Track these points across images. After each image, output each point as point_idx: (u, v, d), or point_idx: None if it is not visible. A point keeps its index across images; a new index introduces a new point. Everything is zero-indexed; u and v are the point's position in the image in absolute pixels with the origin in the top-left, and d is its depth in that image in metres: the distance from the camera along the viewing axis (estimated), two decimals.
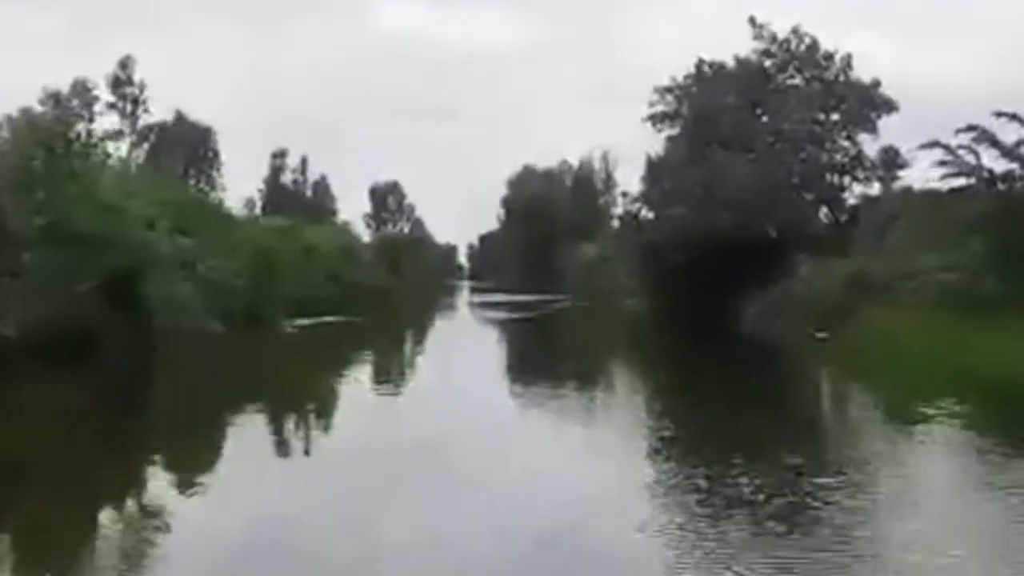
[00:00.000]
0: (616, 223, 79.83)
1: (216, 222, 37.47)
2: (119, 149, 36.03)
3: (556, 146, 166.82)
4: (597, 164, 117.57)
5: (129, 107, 58.39)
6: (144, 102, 59.11)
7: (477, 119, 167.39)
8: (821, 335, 28.83)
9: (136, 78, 59.29)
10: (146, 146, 55.69)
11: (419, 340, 41.26)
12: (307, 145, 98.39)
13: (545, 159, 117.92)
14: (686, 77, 46.52)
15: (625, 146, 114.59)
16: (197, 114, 77.38)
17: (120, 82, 59.48)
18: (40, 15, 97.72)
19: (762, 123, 45.02)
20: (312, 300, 45.64)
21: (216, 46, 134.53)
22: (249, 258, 39.89)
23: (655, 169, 46.69)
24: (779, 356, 29.22)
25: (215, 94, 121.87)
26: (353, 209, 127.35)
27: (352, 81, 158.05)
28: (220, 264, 32.55)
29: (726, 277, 40.30)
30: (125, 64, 58.68)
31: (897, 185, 42.98)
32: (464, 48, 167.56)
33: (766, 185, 42.16)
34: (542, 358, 30.00)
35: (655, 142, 47.76)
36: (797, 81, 45.63)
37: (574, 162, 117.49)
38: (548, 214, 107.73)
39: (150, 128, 56.65)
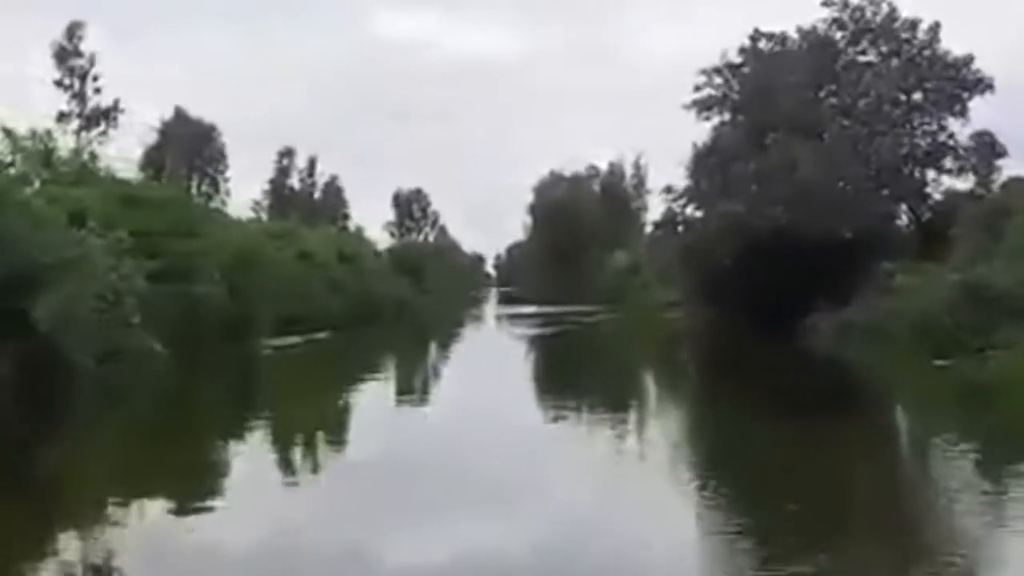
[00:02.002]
0: (650, 228, 73.72)
1: (180, 222, 30.97)
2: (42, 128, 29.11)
3: (577, 151, 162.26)
4: (629, 168, 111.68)
5: (76, 83, 47.97)
6: (96, 78, 47.49)
7: (487, 124, 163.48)
8: (940, 363, 21.87)
9: (86, 48, 47.95)
10: (96, 131, 46.39)
11: (425, 368, 31.92)
12: (318, 152, 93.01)
13: (568, 165, 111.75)
14: (741, 51, 39.74)
15: (648, 150, 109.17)
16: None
17: (66, 53, 48.27)
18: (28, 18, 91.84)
19: (831, 105, 38.19)
20: (309, 313, 39.55)
21: (218, 52, 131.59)
22: (225, 265, 33.78)
23: (703, 161, 39.91)
24: (900, 400, 20.89)
25: (219, 100, 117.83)
26: (373, 216, 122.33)
27: (359, 87, 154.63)
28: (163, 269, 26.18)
29: (790, 286, 33.66)
30: (72, 32, 47.95)
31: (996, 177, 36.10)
32: (470, 54, 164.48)
33: (838, 177, 35.43)
34: (581, 395, 21.96)
35: (700, 132, 41.04)
36: (871, 57, 38.75)
37: (603, 165, 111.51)
38: (576, 221, 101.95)
39: (104, 113, 46.65)
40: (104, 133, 44.23)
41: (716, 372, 28.75)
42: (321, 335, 36.71)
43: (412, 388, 24.67)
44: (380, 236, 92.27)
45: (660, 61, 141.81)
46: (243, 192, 76.56)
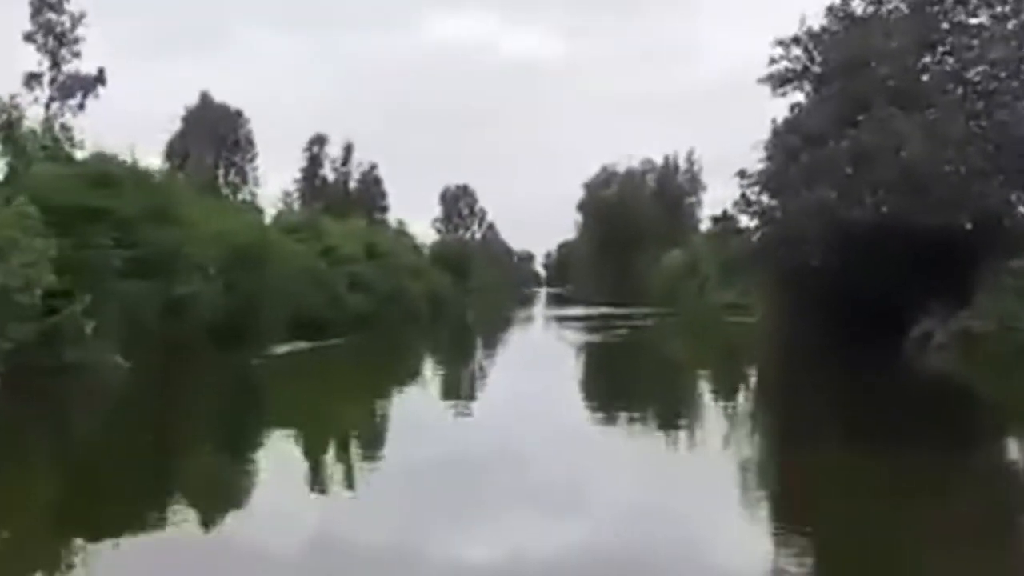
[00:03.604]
0: (706, 224, 68.36)
1: (162, 206, 26.08)
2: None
3: (626, 151, 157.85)
4: (683, 163, 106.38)
5: (52, 43, 39.35)
6: (76, 41, 40.05)
7: (535, 125, 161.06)
8: None
9: (71, 7, 40.41)
10: (72, 102, 40.03)
11: (441, 391, 23.11)
12: (367, 149, 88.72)
13: (621, 161, 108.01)
14: (829, 11, 34.00)
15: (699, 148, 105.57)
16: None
17: (45, 6, 40.40)
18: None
19: (937, 74, 32.40)
20: (329, 314, 34.60)
21: (268, 53, 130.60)
22: (224, 259, 28.88)
23: (782, 140, 34.25)
24: None
25: (262, 98, 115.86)
26: (421, 213, 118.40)
27: (408, 87, 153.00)
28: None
29: (893, 287, 28.09)
30: None
31: None
32: (516, 56, 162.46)
33: (948, 158, 29.66)
34: (648, 435, 15.61)
35: (762, 123, 35.59)
36: (983, 19, 32.86)
37: (657, 159, 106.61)
38: (629, 218, 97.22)
39: (82, 83, 39.96)
40: (82, 106, 38.55)
41: (804, 405, 19.92)
42: (336, 340, 31.64)
43: (412, 428, 16.17)
44: (428, 233, 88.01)
45: (710, 63, 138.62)
46: (280, 185, 72.08)
